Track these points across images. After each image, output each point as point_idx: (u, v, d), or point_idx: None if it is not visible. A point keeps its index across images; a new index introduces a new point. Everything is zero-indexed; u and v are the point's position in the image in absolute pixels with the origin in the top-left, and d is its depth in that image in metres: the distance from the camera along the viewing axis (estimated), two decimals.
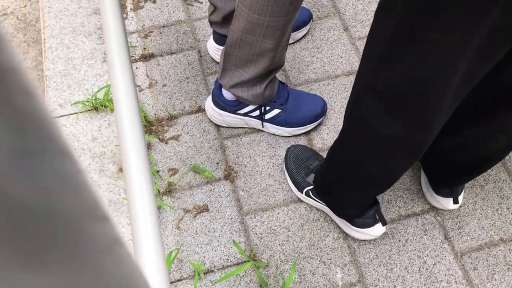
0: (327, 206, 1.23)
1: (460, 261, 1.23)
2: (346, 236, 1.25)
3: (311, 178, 1.25)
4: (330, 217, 1.27)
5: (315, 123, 1.39)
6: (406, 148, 0.90)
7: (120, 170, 1.34)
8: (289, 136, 1.40)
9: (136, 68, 1.52)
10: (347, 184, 1.10)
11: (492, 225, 1.29)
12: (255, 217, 1.28)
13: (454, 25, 0.64)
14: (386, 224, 1.20)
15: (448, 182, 1.22)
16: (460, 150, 1.08)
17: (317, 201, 1.25)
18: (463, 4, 0.61)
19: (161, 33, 1.60)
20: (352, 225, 1.20)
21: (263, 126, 1.38)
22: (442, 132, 1.05)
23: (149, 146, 1.38)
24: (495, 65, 0.77)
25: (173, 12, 1.65)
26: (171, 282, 1.18)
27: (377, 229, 1.19)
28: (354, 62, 1.55)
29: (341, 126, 1.42)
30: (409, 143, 0.88)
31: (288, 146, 1.37)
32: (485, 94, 0.89)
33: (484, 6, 0.60)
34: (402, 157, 0.93)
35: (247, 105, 1.33)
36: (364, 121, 0.89)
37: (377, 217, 1.18)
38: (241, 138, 1.40)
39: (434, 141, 1.05)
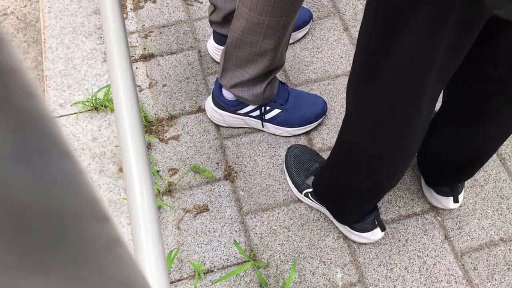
0: (327, 209, 1.23)
1: (460, 261, 1.23)
2: (346, 236, 1.25)
3: (310, 180, 1.25)
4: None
5: (315, 123, 1.39)
6: (394, 155, 0.92)
7: (120, 170, 1.34)
8: (289, 136, 1.40)
9: (136, 68, 1.52)
10: (343, 193, 1.11)
11: (492, 225, 1.29)
12: (255, 217, 1.28)
13: (423, 23, 0.65)
14: (385, 229, 1.20)
15: (445, 181, 1.22)
16: (450, 150, 1.08)
17: (316, 203, 1.25)
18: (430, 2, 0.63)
19: (161, 33, 1.60)
20: (351, 229, 1.21)
21: (263, 126, 1.38)
22: (434, 130, 1.06)
23: (149, 146, 1.38)
24: (487, 61, 0.78)
25: (173, 12, 1.65)
26: (171, 282, 1.18)
27: (376, 234, 1.20)
28: None
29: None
30: (394, 150, 0.90)
31: (288, 146, 1.37)
32: (474, 91, 0.90)
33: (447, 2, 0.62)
34: (390, 165, 0.96)
35: (247, 105, 1.33)
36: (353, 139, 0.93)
37: (376, 222, 1.18)
38: (241, 138, 1.40)
39: (427, 140, 1.06)
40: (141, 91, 1.48)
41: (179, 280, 1.19)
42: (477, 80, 0.86)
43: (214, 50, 1.50)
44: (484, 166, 1.37)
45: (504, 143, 1.42)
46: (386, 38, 0.71)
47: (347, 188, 1.07)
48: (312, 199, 1.25)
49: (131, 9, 1.66)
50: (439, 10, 0.63)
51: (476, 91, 0.89)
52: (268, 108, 1.34)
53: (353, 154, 0.97)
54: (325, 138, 1.41)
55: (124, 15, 1.64)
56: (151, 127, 1.41)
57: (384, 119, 0.84)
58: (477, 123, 0.96)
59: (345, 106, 1.46)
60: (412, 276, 1.21)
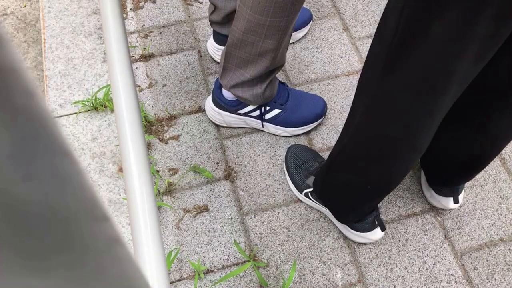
0: (329, 210, 1.23)
1: (460, 261, 1.23)
2: (346, 236, 1.25)
3: (310, 180, 1.25)
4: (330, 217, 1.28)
5: (315, 123, 1.39)
6: (405, 151, 0.90)
7: (120, 170, 1.34)
8: (289, 136, 1.40)
9: (136, 68, 1.52)
10: (346, 193, 1.10)
11: (492, 225, 1.29)
12: (255, 217, 1.28)
13: (452, 27, 0.64)
14: (385, 229, 1.20)
15: (446, 182, 1.22)
16: (454, 149, 1.08)
17: (316, 203, 1.25)
18: (461, 5, 0.61)
19: (161, 33, 1.60)
20: (351, 228, 1.20)
21: (263, 126, 1.38)
22: (440, 129, 1.05)
23: (149, 146, 1.38)
24: (488, 64, 0.78)
25: (173, 12, 1.65)
26: (171, 282, 1.18)
27: (376, 234, 1.20)
28: (354, 62, 1.55)
29: (341, 126, 1.42)
30: (407, 146, 0.89)
31: (288, 146, 1.37)
32: (477, 93, 0.89)
33: (478, 8, 0.61)
34: (401, 162, 0.94)
35: (247, 105, 1.33)
36: (364, 131, 0.90)
37: (376, 222, 1.18)
38: (241, 138, 1.40)
39: (433, 138, 1.05)
40: (141, 91, 1.48)
41: (179, 280, 1.19)
42: (487, 80, 0.85)
43: (214, 50, 1.50)
44: None
45: None
46: (415, 30, 0.68)
47: (353, 188, 1.06)
48: (312, 199, 1.25)
49: (131, 9, 1.66)
50: (472, 5, 0.61)
51: (485, 91, 0.89)
52: (268, 108, 1.34)
53: (362, 154, 0.96)
54: (325, 138, 1.41)
55: (124, 15, 1.64)
56: (151, 127, 1.41)
57: (398, 117, 0.82)
58: (484, 124, 0.96)
59: (344, 106, 1.46)
60: (412, 276, 1.21)
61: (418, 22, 0.67)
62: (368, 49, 1.57)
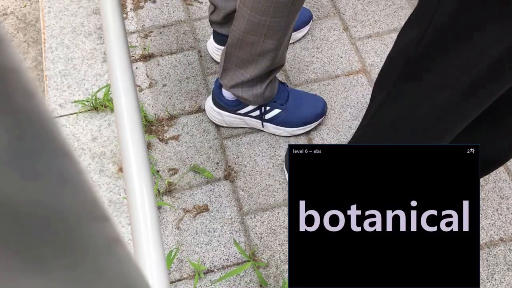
0: None
1: None
2: None
3: None
4: None
5: (315, 123, 1.39)
6: None
7: (120, 170, 1.34)
8: (289, 136, 1.40)
9: (136, 68, 1.52)
10: None
11: (492, 225, 1.29)
12: (255, 217, 1.28)
13: (493, 32, 0.61)
14: None
15: None
16: None
17: None
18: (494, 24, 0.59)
19: (161, 33, 1.60)
20: None
21: (263, 126, 1.38)
22: None
23: (149, 146, 1.38)
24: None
25: (173, 12, 1.65)
26: (171, 282, 1.18)
27: None
28: (354, 62, 1.55)
29: (341, 126, 1.42)
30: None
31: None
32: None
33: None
34: None
35: (247, 105, 1.33)
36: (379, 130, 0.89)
37: None
38: (241, 138, 1.40)
39: None
40: (141, 91, 1.48)
41: (179, 280, 1.19)
42: None
43: (214, 50, 1.50)
44: None
45: None
46: (446, 37, 0.65)
47: None
48: None
49: (131, 9, 1.66)
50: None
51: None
52: (268, 108, 1.34)
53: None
54: (325, 138, 1.41)
55: (124, 15, 1.64)
56: (151, 127, 1.41)
57: (414, 123, 0.81)
58: (496, 126, 0.95)
59: (344, 106, 1.46)
60: None
61: (452, 27, 0.64)
62: (368, 49, 1.57)
